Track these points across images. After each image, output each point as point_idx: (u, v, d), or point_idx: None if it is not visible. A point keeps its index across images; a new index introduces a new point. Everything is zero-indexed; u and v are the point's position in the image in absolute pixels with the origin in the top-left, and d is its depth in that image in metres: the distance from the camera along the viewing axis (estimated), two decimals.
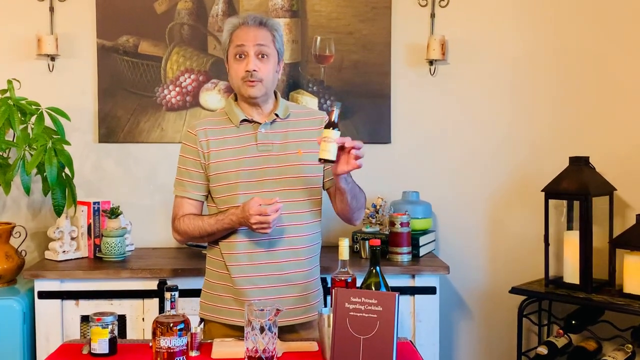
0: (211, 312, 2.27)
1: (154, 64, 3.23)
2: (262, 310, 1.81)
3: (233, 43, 2.20)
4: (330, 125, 2.01)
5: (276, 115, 2.25)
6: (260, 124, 2.24)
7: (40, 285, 2.79)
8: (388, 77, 3.27)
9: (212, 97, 3.26)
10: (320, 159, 2.02)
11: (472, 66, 3.31)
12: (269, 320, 1.80)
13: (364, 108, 3.27)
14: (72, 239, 3.02)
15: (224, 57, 2.27)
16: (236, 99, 2.29)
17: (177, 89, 3.25)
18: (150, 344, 1.88)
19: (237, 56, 2.19)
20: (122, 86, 3.23)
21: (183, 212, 2.25)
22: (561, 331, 3.03)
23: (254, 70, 2.16)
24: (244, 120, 2.24)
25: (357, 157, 2.06)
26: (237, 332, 2.18)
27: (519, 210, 3.32)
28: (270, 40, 2.21)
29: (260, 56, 2.18)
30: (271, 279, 2.20)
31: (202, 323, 2.28)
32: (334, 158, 2.02)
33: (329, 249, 2.79)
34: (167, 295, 1.84)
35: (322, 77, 3.27)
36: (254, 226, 2.09)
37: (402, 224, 2.93)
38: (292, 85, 3.25)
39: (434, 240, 3.22)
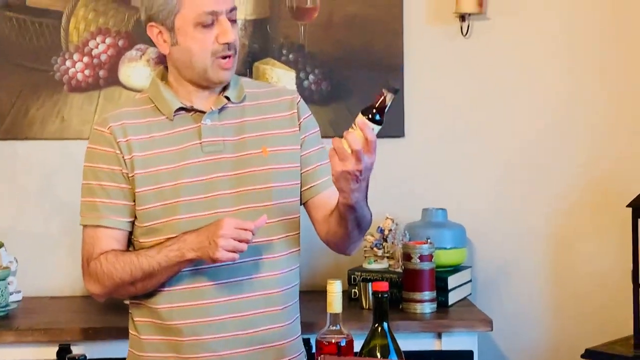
0: None
1: (50, 23, 3.25)
2: None
3: (192, 4, 2.20)
4: (370, 112, 2.03)
5: (227, 98, 2.29)
6: (203, 113, 2.27)
7: None
8: (400, 39, 3.28)
9: (138, 70, 3.27)
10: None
11: (523, 22, 3.32)
12: None
13: (364, 85, 3.26)
14: None
15: (161, 20, 2.24)
16: (163, 78, 2.33)
17: (86, 59, 3.25)
18: None
19: (202, 25, 2.21)
20: (2, 56, 3.25)
21: (101, 248, 2.23)
22: None
23: (235, 40, 2.23)
24: (181, 108, 2.27)
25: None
26: None
27: (593, 235, 3.34)
28: None
29: (231, 21, 2.24)
30: (237, 342, 2.24)
31: None
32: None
33: (314, 294, 2.80)
34: None
35: (301, 40, 3.28)
36: (220, 254, 2.10)
37: (421, 258, 2.93)
38: (257, 52, 3.28)
39: (470, 281, 3.24)
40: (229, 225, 2.11)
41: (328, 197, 2.30)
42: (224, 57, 2.22)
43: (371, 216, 2.26)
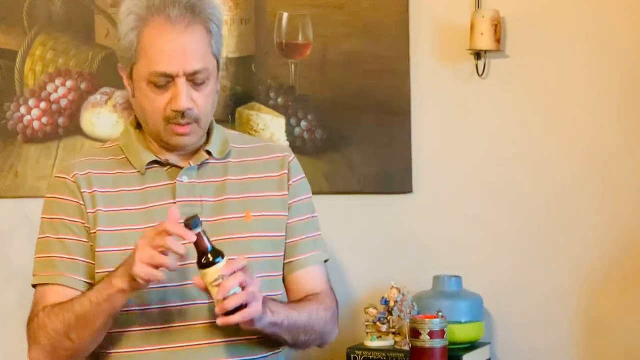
0: None
1: (1, 64, 3.30)
2: None
3: (146, 59, 2.23)
4: (207, 262, 2.07)
5: (208, 153, 2.33)
6: (180, 168, 2.30)
7: None
8: (406, 80, 3.19)
9: (103, 117, 3.27)
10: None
11: (548, 60, 3.22)
12: None
13: (365, 133, 3.22)
14: None
15: (123, 64, 2.31)
16: (138, 126, 2.35)
17: (43, 104, 3.27)
18: None
19: (155, 84, 2.23)
20: None
21: (44, 304, 2.24)
22: None
23: (189, 109, 2.23)
24: (154, 161, 2.30)
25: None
26: None
27: (631, 304, 3.23)
28: (207, 45, 2.26)
29: (195, 83, 2.25)
30: None
31: None
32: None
33: None
34: None
35: (292, 81, 3.22)
36: (136, 269, 2.04)
37: (432, 334, 2.82)
38: (240, 95, 3.25)
39: None
40: (147, 233, 2.08)
41: (299, 280, 2.37)
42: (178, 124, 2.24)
43: (336, 302, 2.44)
